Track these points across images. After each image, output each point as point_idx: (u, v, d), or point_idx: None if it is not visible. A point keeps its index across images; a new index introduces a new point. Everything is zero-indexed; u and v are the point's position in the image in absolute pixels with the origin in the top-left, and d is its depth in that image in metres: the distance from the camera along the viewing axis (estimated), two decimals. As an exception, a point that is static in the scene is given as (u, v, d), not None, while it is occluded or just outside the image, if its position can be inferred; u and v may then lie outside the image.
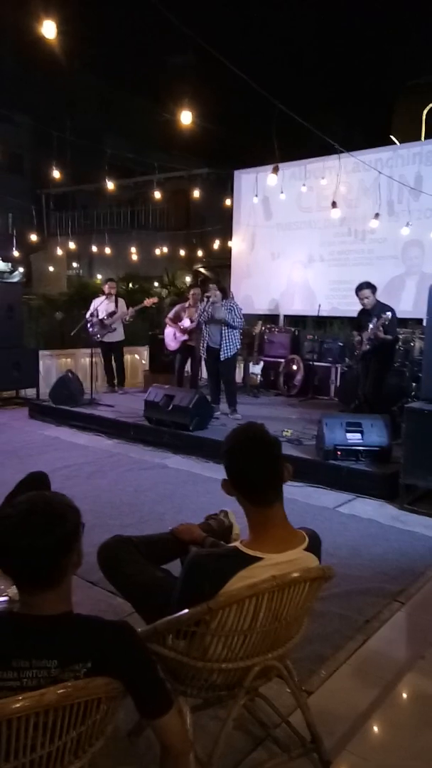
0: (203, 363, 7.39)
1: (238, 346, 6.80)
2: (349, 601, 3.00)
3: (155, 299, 9.02)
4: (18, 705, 1.16)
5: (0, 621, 1.38)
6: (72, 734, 1.26)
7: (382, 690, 2.35)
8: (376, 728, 2.18)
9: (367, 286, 6.17)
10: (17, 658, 1.26)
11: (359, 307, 6.33)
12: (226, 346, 6.58)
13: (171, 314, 7.91)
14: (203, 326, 6.81)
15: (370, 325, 6.00)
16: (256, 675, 1.77)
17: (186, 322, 7.66)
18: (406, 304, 8.42)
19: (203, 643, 1.68)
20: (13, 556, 1.30)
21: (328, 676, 2.40)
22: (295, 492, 4.63)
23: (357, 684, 2.39)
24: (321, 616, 2.77)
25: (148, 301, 8.52)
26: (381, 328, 5.86)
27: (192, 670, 1.74)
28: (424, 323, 7.50)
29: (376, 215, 8.28)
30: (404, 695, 2.40)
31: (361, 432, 4.97)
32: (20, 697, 1.17)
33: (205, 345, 6.81)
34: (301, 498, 4.59)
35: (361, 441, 4.95)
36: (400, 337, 7.18)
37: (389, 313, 5.85)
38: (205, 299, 6.72)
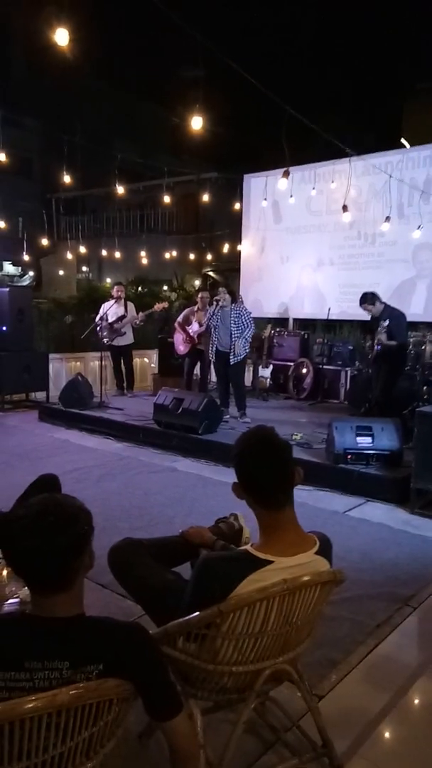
0: (212, 366, 7.40)
1: (248, 350, 6.81)
2: (360, 605, 2.99)
3: (165, 304, 9.02)
4: (31, 705, 1.17)
5: (12, 622, 1.39)
6: (84, 735, 1.27)
7: (393, 695, 2.33)
8: (387, 733, 2.16)
9: (365, 300, 6.20)
10: (29, 659, 1.26)
11: (369, 310, 6.35)
12: (236, 349, 6.59)
13: (180, 318, 7.92)
14: (212, 330, 6.82)
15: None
16: (267, 679, 1.77)
17: (195, 326, 7.66)
18: (417, 308, 8.38)
19: (214, 646, 1.68)
20: (26, 557, 1.31)
21: (338, 681, 2.39)
22: (305, 496, 4.62)
23: (368, 689, 2.38)
24: (332, 620, 2.76)
25: (159, 306, 8.54)
26: (384, 335, 5.88)
27: (203, 673, 1.74)
28: (435, 326, 7.45)
29: (387, 218, 8.25)
30: (416, 700, 2.38)
31: (372, 436, 4.95)
32: (33, 698, 1.18)
33: (214, 348, 6.82)
34: (311, 502, 4.57)
35: (371, 445, 4.93)
36: (411, 340, 7.15)
37: (387, 321, 5.90)
38: (215, 303, 6.73)
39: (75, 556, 1.33)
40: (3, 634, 1.32)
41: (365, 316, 6.56)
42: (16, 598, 2.25)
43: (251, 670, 1.74)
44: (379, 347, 6.06)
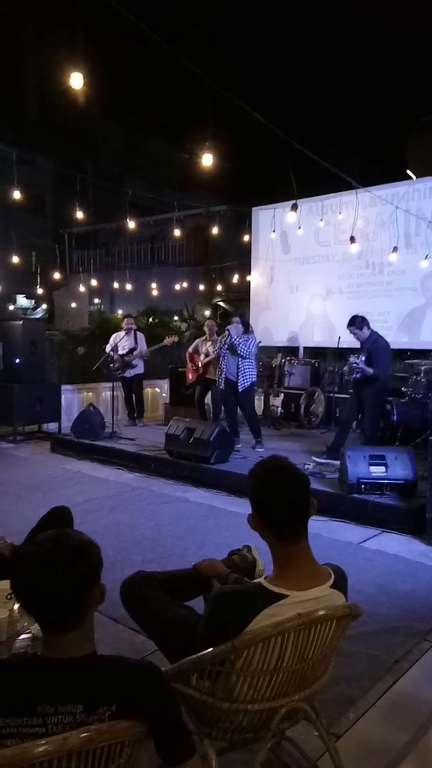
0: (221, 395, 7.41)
1: (254, 379, 6.79)
2: (377, 640, 2.91)
3: (175, 338, 9.04)
4: (41, 749, 1.15)
5: (24, 665, 1.37)
6: (95, 778, 1.24)
7: (413, 734, 2.25)
8: (408, 776, 2.08)
9: (353, 323, 6.03)
10: (42, 703, 1.24)
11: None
12: (243, 376, 6.59)
13: (191, 348, 8.05)
14: (222, 358, 6.85)
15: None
16: (283, 717, 1.72)
17: (203, 356, 7.78)
18: (427, 335, 8.36)
19: (228, 682, 1.64)
20: (38, 594, 1.29)
21: (356, 719, 2.32)
22: (318, 527, 4.56)
23: (387, 727, 2.30)
24: (348, 656, 2.69)
25: (168, 340, 8.57)
26: (362, 359, 5.87)
27: (217, 712, 1.69)
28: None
29: (395, 249, 8.32)
30: (437, 741, 2.30)
31: (385, 465, 4.89)
32: (43, 742, 1.16)
33: (223, 376, 6.84)
34: (325, 533, 4.51)
35: (385, 474, 4.88)
36: (423, 368, 7.10)
37: (351, 357, 5.97)
38: (226, 332, 6.76)
39: (86, 591, 1.31)
40: (15, 679, 1.29)
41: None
42: (28, 633, 2.22)
43: (267, 708, 1.69)
44: (358, 374, 5.94)
